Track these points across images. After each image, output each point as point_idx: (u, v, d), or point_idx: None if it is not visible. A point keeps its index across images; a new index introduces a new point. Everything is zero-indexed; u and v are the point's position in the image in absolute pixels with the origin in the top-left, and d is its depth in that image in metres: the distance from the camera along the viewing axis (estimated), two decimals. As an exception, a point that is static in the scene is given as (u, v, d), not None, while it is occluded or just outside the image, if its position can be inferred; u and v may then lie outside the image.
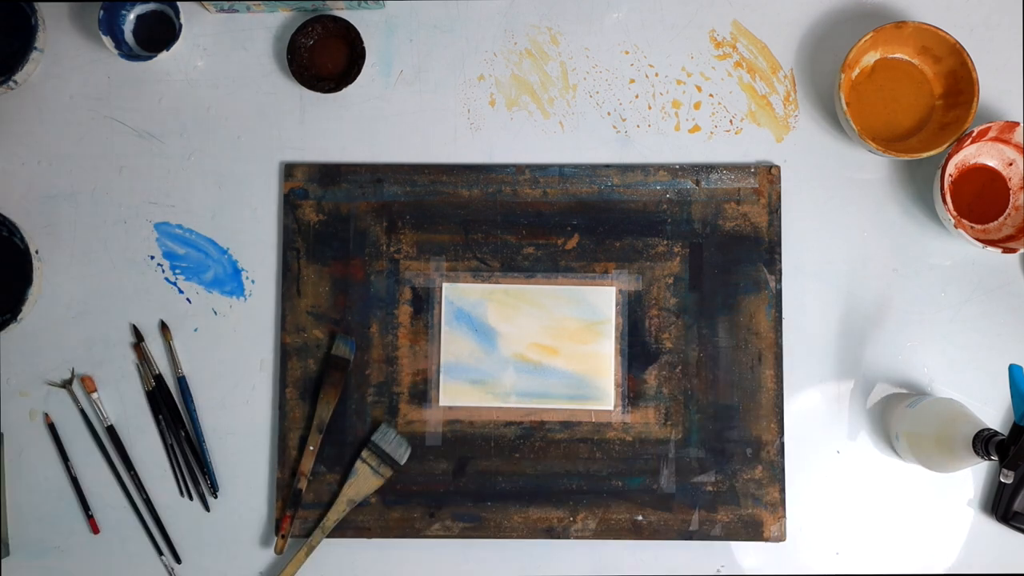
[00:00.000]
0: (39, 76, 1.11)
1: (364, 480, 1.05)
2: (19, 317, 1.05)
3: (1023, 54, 1.10)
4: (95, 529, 1.06)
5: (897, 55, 1.08)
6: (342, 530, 1.05)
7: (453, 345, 1.07)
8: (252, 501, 1.07)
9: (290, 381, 1.07)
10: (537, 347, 1.07)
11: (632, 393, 1.06)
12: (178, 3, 1.09)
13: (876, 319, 1.07)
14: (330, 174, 1.09)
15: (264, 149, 1.10)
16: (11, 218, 1.07)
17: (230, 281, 1.09)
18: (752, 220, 1.07)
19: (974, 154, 1.07)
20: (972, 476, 1.06)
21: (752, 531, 1.04)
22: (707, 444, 1.05)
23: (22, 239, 1.06)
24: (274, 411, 1.07)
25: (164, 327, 1.08)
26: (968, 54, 1.04)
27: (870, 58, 1.08)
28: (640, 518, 1.05)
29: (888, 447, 1.06)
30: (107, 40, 1.08)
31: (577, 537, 1.05)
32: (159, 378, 1.08)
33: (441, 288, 1.07)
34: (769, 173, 1.08)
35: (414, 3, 1.12)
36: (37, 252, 1.06)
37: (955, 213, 1.03)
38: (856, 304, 1.07)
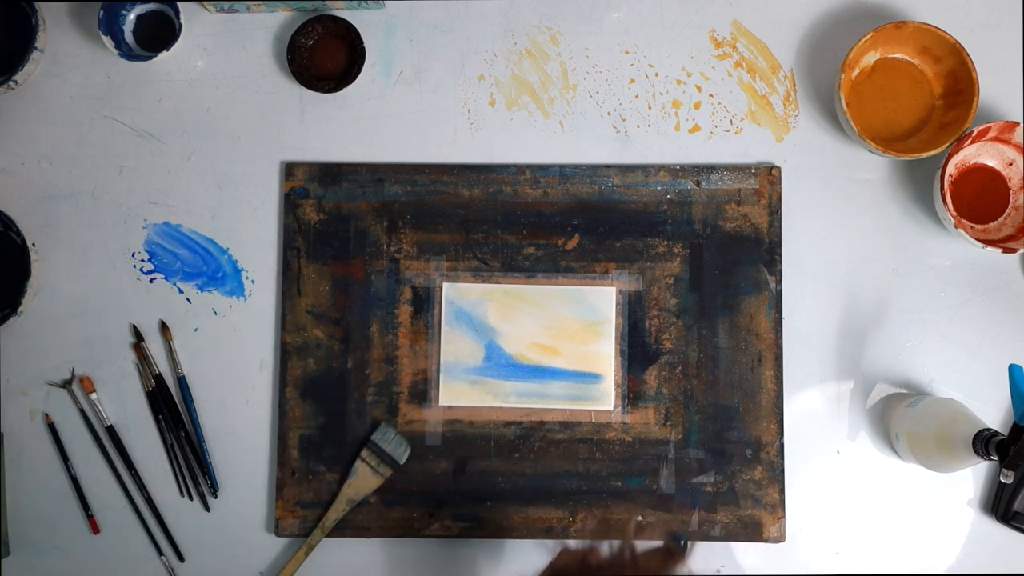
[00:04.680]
0: (39, 76, 1.11)
1: (364, 480, 1.05)
2: (19, 310, 1.05)
3: (1023, 54, 1.10)
4: (95, 529, 1.06)
5: (897, 55, 1.08)
6: (342, 529, 1.05)
7: (453, 345, 1.07)
8: (252, 501, 1.07)
9: (290, 381, 1.07)
10: (537, 347, 1.07)
11: (632, 393, 1.06)
12: (178, 3, 1.09)
13: (876, 319, 1.07)
14: (331, 173, 1.09)
15: (264, 149, 1.10)
16: (9, 216, 1.07)
17: (230, 281, 1.09)
18: (752, 221, 1.07)
19: (974, 154, 1.07)
20: (972, 476, 1.06)
21: (752, 532, 1.04)
22: (707, 445, 1.05)
23: (18, 232, 1.06)
24: (274, 411, 1.07)
25: (164, 327, 1.08)
26: (968, 54, 1.04)
27: (870, 58, 1.08)
28: (640, 518, 1.05)
29: (888, 447, 1.06)
30: (107, 40, 1.08)
31: (576, 537, 1.05)
32: (159, 378, 1.08)
33: (441, 288, 1.07)
34: (770, 174, 1.08)
35: (414, 3, 1.12)
36: (34, 245, 1.06)
37: (955, 213, 1.03)
38: (856, 304, 1.07)
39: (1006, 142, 1.05)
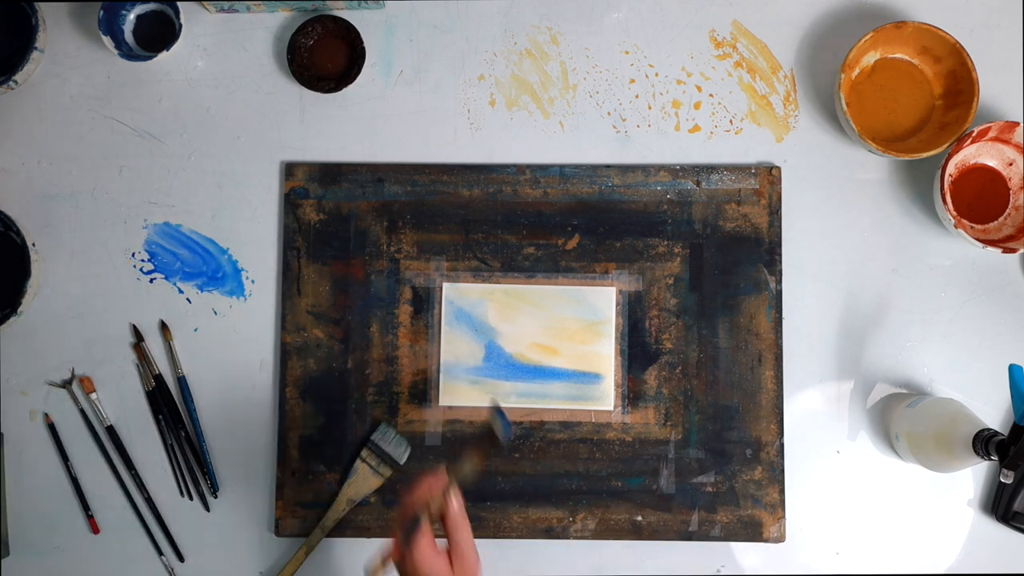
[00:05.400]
0: (39, 76, 1.11)
1: (364, 479, 1.05)
2: (19, 310, 1.05)
3: (1023, 54, 1.10)
4: (95, 529, 1.06)
5: (897, 55, 1.08)
6: (342, 529, 1.05)
7: (453, 345, 1.07)
8: (252, 501, 1.07)
9: (290, 381, 1.07)
10: (537, 347, 1.07)
11: (632, 393, 1.06)
12: (178, 3, 1.09)
13: (876, 319, 1.07)
14: (331, 173, 1.09)
15: (264, 149, 1.10)
16: (9, 216, 1.07)
17: (230, 281, 1.09)
18: (752, 221, 1.07)
19: (974, 154, 1.07)
20: (972, 476, 1.06)
21: (751, 532, 1.04)
22: (707, 445, 1.05)
23: (18, 232, 1.06)
24: (274, 411, 1.07)
25: (164, 327, 1.08)
26: (968, 54, 1.04)
27: (870, 58, 1.08)
28: (640, 518, 1.05)
29: (888, 447, 1.06)
30: (107, 40, 1.08)
31: (577, 537, 1.05)
32: (159, 378, 1.08)
33: (441, 288, 1.07)
34: (770, 174, 1.08)
35: (414, 3, 1.12)
36: (34, 245, 1.06)
37: (955, 213, 1.03)
38: (856, 304, 1.07)
39: (1006, 142, 1.05)
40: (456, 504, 0.83)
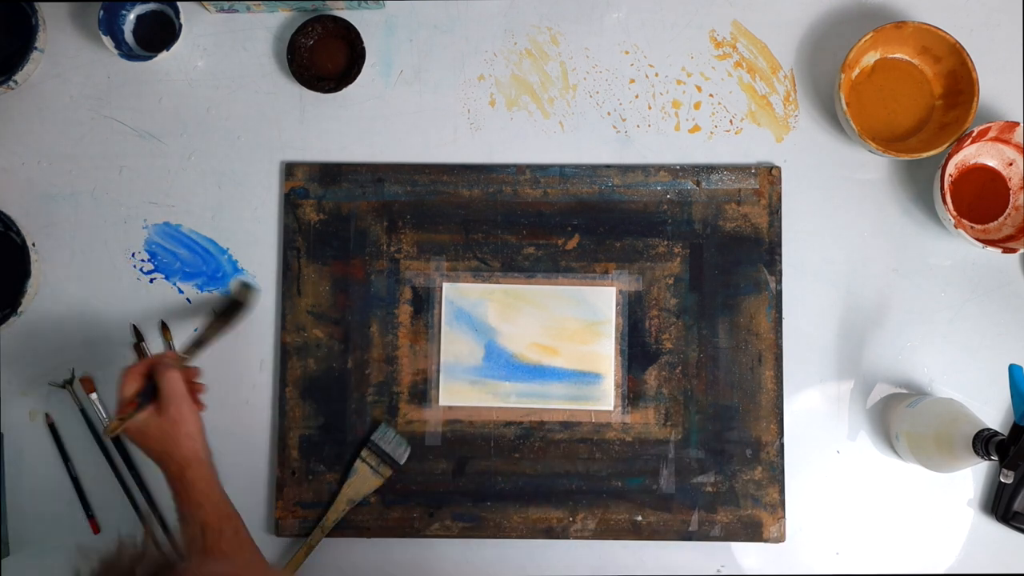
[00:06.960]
0: (39, 76, 1.11)
1: (364, 480, 1.05)
2: (19, 310, 1.05)
3: (1023, 54, 1.10)
4: (95, 529, 1.06)
5: (897, 55, 1.08)
6: (342, 530, 1.05)
7: (453, 345, 1.07)
8: (252, 501, 1.07)
9: (290, 381, 1.07)
10: (537, 347, 1.07)
11: (632, 393, 1.06)
12: (178, 3, 1.09)
13: (876, 319, 1.07)
14: (331, 173, 1.09)
15: (264, 149, 1.10)
16: (9, 216, 1.07)
17: (230, 281, 1.09)
18: (752, 221, 1.07)
19: (974, 154, 1.07)
20: (972, 476, 1.06)
21: (751, 532, 1.04)
22: (707, 445, 1.05)
23: (18, 232, 1.06)
24: (274, 411, 1.07)
25: (164, 327, 1.08)
26: (968, 54, 1.04)
27: (870, 58, 1.08)
28: (640, 518, 1.05)
29: (888, 447, 1.06)
30: (107, 40, 1.08)
31: (576, 537, 1.05)
32: (159, 378, 1.08)
33: (441, 288, 1.07)
34: (770, 174, 1.08)
35: (414, 3, 1.12)
36: (34, 245, 1.06)
37: (955, 213, 1.03)
38: (856, 304, 1.07)
39: (1006, 142, 1.05)
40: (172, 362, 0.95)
